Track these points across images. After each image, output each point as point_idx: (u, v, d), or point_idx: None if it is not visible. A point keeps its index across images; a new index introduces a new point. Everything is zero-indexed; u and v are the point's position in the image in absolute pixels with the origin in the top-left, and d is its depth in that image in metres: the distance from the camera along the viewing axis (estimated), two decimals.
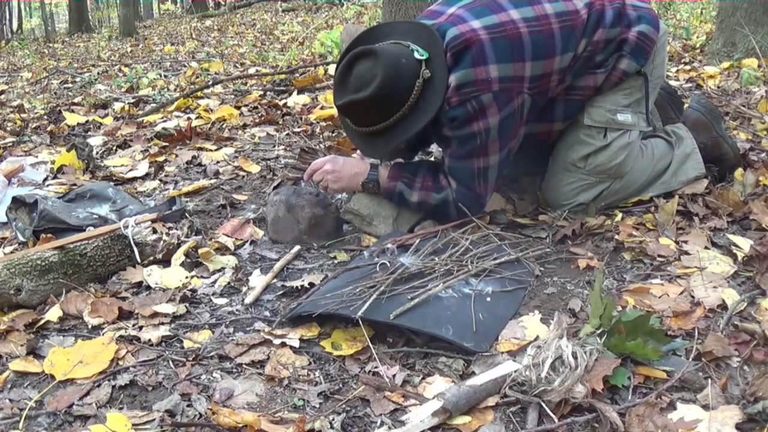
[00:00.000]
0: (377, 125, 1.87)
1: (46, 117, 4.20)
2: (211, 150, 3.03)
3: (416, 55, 1.83)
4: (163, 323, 1.62)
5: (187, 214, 2.20)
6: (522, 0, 1.89)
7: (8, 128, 3.87)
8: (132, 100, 4.50)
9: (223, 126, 3.52)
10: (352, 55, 1.85)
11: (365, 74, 1.81)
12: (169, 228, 2.07)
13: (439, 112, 1.85)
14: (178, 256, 1.91)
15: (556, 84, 1.92)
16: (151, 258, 1.93)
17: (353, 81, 1.83)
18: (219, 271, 1.89)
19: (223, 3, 20.50)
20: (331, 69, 4.81)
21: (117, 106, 4.32)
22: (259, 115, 3.74)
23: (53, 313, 1.65)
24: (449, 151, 1.93)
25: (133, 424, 1.24)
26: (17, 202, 2.18)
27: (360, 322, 1.48)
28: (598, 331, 1.35)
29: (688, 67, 4.24)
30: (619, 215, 2.06)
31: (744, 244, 1.81)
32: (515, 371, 1.28)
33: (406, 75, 1.82)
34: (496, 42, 1.80)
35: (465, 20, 1.85)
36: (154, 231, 1.98)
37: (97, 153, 3.09)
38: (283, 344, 1.49)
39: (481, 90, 1.80)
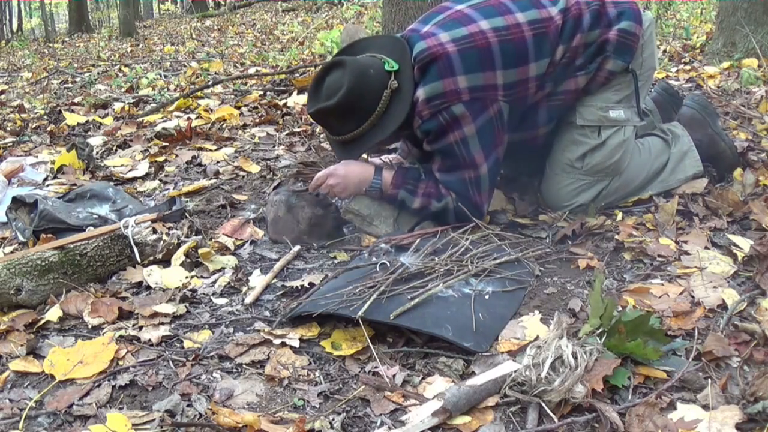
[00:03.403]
0: (348, 134, 1.94)
1: (46, 117, 4.19)
2: (211, 150, 3.03)
3: (386, 67, 1.88)
4: (163, 323, 1.62)
5: (187, 214, 2.20)
6: (493, 11, 1.91)
7: (8, 128, 3.87)
8: (132, 100, 4.49)
9: (223, 126, 3.52)
10: (324, 66, 1.95)
11: (334, 84, 1.88)
12: (169, 228, 2.07)
13: (414, 127, 1.89)
14: (178, 256, 1.91)
15: (534, 91, 1.93)
16: (151, 258, 1.93)
17: (324, 90, 1.91)
18: (219, 271, 1.89)
19: (223, 3, 20.48)
20: None
21: (117, 106, 4.32)
22: (259, 115, 3.74)
23: (53, 313, 1.65)
24: (436, 166, 1.97)
25: (133, 424, 1.24)
26: (17, 202, 2.18)
27: (360, 322, 1.48)
28: (598, 331, 1.35)
29: (688, 67, 4.24)
30: (619, 215, 2.06)
31: (744, 244, 1.81)
32: (515, 371, 1.27)
33: (374, 85, 1.87)
34: (464, 53, 1.83)
35: (434, 34, 1.88)
36: (154, 231, 1.98)
37: (97, 153, 3.09)
38: (283, 344, 1.49)
39: (450, 101, 1.83)
